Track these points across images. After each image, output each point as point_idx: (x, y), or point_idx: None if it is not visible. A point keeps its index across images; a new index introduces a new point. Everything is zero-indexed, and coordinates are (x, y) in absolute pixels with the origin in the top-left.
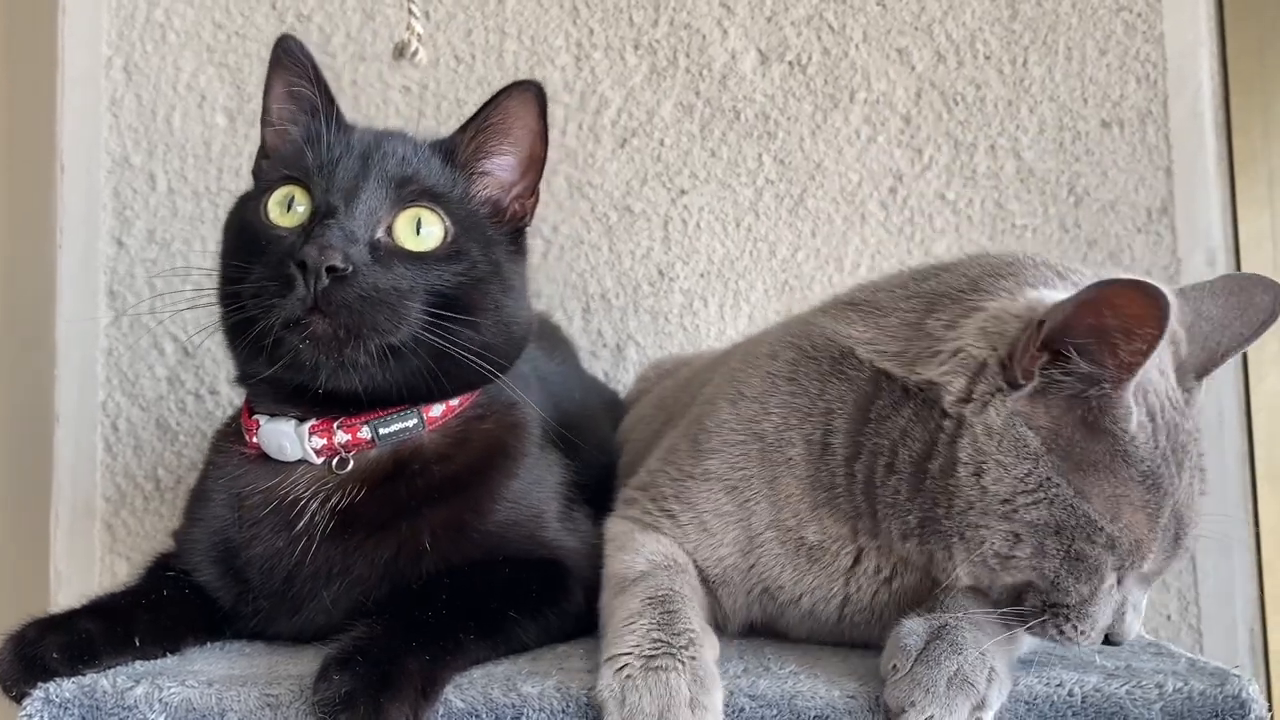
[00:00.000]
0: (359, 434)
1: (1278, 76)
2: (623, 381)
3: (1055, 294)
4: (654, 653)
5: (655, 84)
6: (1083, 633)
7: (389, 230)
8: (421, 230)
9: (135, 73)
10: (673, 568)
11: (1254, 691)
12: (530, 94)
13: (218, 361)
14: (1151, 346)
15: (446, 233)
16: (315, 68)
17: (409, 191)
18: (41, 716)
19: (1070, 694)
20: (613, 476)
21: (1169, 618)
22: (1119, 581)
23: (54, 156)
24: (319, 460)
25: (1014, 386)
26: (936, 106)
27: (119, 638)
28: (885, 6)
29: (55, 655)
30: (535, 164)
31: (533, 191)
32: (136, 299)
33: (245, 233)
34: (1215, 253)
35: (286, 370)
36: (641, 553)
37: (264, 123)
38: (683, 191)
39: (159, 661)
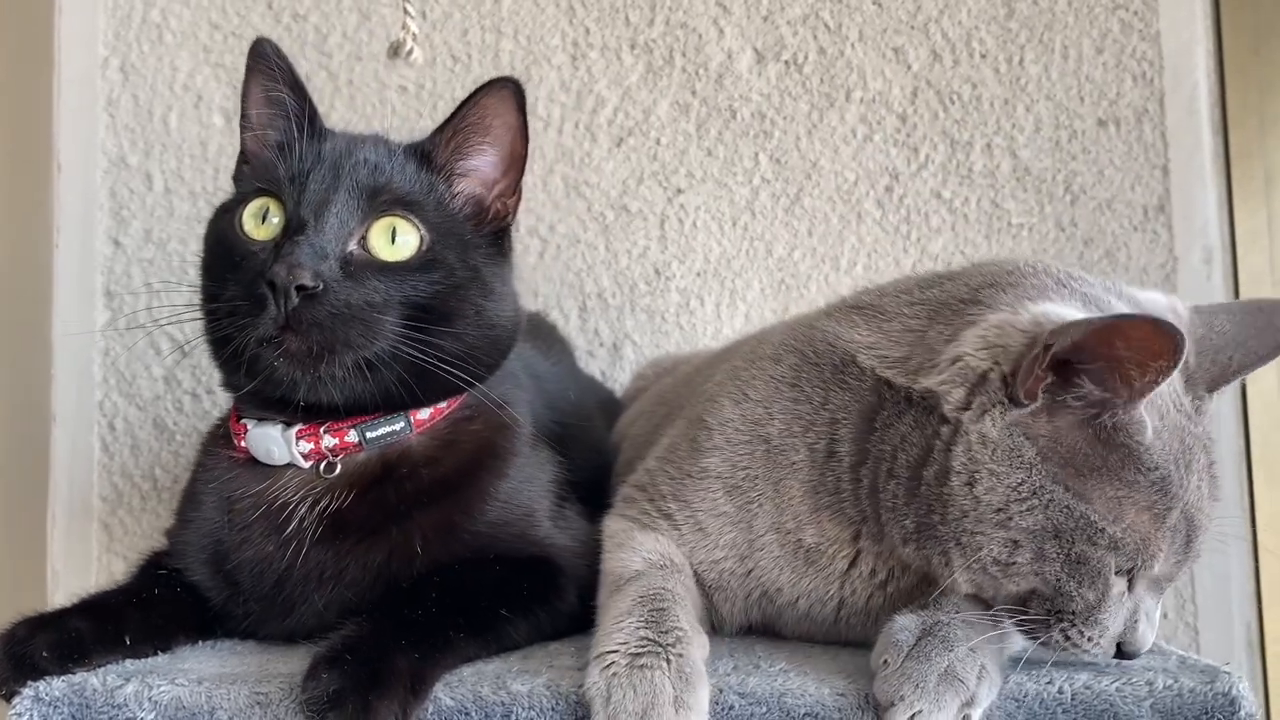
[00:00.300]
0: (346, 438)
1: (1273, 74)
2: (619, 381)
3: (1059, 308)
4: (640, 651)
5: (651, 83)
6: (1091, 639)
7: (362, 241)
8: (396, 239)
9: (132, 73)
10: (668, 568)
11: (1244, 689)
12: (508, 90)
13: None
14: (1164, 376)
15: (422, 240)
16: (292, 71)
17: (381, 201)
18: (31, 715)
19: (1060, 691)
20: (608, 475)
21: (1165, 616)
22: (1130, 588)
23: (51, 156)
24: (307, 464)
25: (1016, 404)
26: (933, 105)
27: (109, 636)
28: (881, 6)
29: (45, 654)
30: (516, 161)
31: (514, 190)
32: (133, 299)
33: (220, 246)
34: (1212, 250)
35: (265, 385)
36: (639, 552)
37: (243, 127)
38: (679, 191)
39: (149, 660)
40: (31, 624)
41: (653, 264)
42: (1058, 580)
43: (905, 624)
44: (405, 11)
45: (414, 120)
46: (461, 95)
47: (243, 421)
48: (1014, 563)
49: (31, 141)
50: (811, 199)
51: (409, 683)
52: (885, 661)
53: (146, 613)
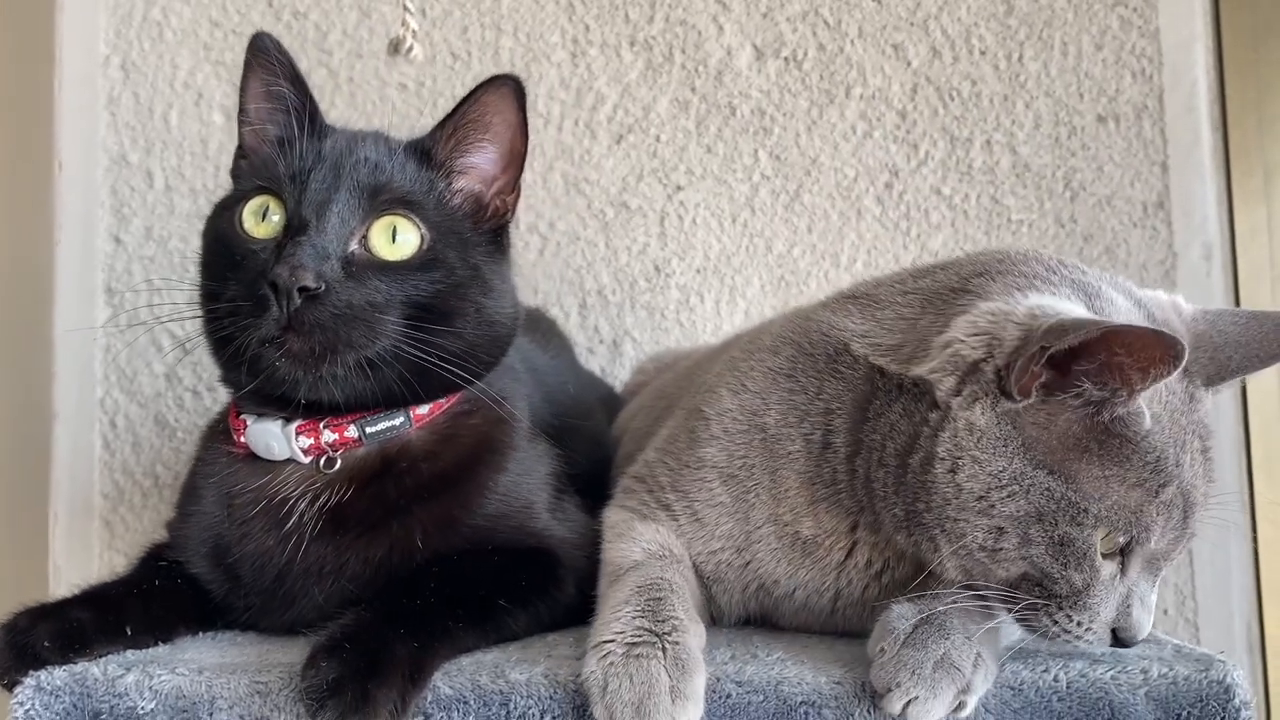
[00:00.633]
0: (346, 433)
1: (1272, 70)
2: (619, 377)
3: (1054, 302)
4: (637, 640)
5: (651, 80)
6: (1081, 624)
7: (363, 241)
8: (397, 238)
9: (133, 71)
10: (667, 558)
11: (1238, 676)
12: (508, 88)
13: None
14: (1164, 378)
15: (423, 239)
16: (293, 66)
17: (382, 200)
18: (33, 704)
19: (1055, 679)
20: (608, 468)
21: (1165, 612)
22: (1123, 571)
23: (52, 154)
24: (307, 460)
25: (1008, 397)
26: (932, 102)
27: (111, 627)
28: (880, 2)
29: (47, 644)
30: (516, 158)
31: (514, 187)
32: (134, 296)
33: (220, 244)
34: (1211, 246)
35: (266, 383)
36: (638, 542)
37: (241, 122)
38: (679, 187)
39: (150, 650)
40: (33, 614)
41: (653, 261)
42: (1044, 563)
43: (902, 612)
44: (405, 8)
45: (414, 117)
46: (461, 92)
47: (242, 417)
48: (1000, 548)
49: (32, 139)
50: (811, 195)
51: (408, 671)
52: (882, 649)
53: (147, 604)
